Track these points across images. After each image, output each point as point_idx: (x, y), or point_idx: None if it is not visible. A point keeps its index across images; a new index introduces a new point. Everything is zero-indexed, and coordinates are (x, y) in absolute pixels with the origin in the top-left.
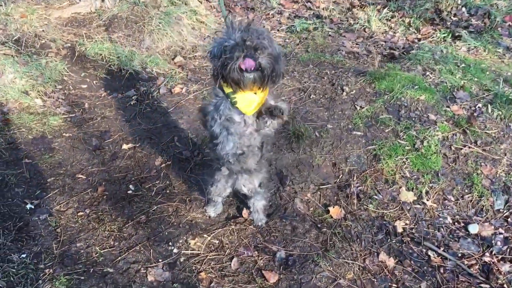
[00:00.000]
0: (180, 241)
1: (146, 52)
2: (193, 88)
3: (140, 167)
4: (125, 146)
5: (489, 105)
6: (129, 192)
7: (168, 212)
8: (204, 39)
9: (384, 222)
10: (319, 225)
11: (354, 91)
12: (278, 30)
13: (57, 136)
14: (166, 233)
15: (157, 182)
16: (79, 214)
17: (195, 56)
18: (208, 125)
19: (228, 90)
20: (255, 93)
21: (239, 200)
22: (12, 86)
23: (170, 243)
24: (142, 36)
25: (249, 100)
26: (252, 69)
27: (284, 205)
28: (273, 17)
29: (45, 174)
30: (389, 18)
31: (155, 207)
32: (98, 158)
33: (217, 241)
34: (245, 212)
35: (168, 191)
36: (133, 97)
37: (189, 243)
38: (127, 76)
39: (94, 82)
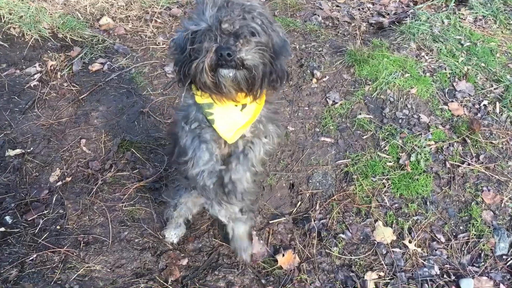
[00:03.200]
0: None
1: (61, 10)
2: (118, 64)
3: (26, 186)
4: (10, 152)
5: (497, 102)
6: (2, 229)
7: (53, 263)
8: None
9: (351, 274)
10: (263, 280)
11: (327, 77)
12: None
13: None
14: None
15: (45, 211)
16: None
17: (129, 16)
18: (179, 142)
19: (201, 99)
20: (242, 108)
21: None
22: None
23: None
24: None
25: (231, 121)
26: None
27: (218, 247)
28: None
29: None
30: None
31: (35, 255)
32: None
33: None
34: None
35: (58, 227)
36: (35, 76)
37: None
38: (32, 44)
39: None
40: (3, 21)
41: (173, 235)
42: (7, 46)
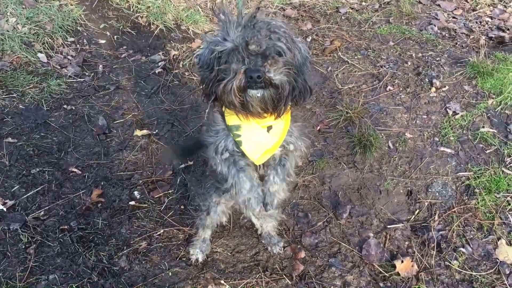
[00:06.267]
0: None
1: (184, 4)
2: None
3: (152, 166)
4: (138, 132)
5: None
6: (132, 202)
7: (178, 240)
8: None
9: None
10: (381, 284)
11: (446, 87)
12: None
13: (55, 108)
14: (170, 274)
15: (170, 191)
16: (61, 228)
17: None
18: (208, 164)
19: (230, 117)
20: (268, 130)
21: None
22: (11, 34)
23: None
24: None
25: (259, 143)
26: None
27: (335, 244)
28: None
29: (30, 161)
30: None
31: (162, 231)
32: (102, 145)
33: None
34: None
35: (182, 207)
36: (159, 63)
37: None
38: (157, 34)
39: (115, 37)
40: (131, 10)
41: (198, 252)
42: (134, 33)
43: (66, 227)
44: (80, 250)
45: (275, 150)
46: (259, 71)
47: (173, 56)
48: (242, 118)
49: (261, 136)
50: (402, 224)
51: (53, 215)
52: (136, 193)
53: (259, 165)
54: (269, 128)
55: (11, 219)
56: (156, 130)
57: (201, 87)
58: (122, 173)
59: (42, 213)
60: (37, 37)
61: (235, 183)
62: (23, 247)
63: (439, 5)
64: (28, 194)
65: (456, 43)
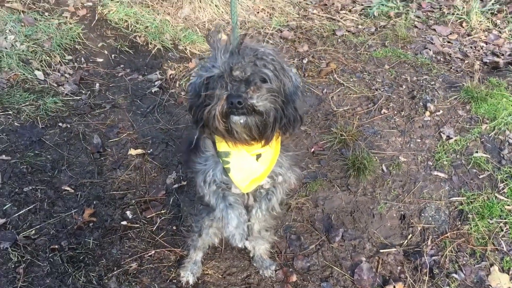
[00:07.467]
0: None
1: (182, 24)
2: None
3: (146, 185)
4: (132, 151)
5: None
6: (124, 222)
7: (169, 262)
8: (257, 13)
9: None
10: None
11: (441, 111)
12: (349, 11)
13: (51, 126)
14: None
15: (163, 211)
16: (52, 247)
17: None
18: (197, 189)
19: (221, 144)
20: (257, 158)
21: None
22: (9, 51)
23: None
24: (181, 2)
25: (247, 170)
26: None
27: (327, 268)
28: None
29: (23, 179)
30: (495, 13)
31: (153, 252)
32: (96, 164)
33: None
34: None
35: (174, 228)
36: (156, 82)
37: None
38: (154, 53)
39: (113, 56)
40: (130, 29)
41: (189, 274)
42: (132, 52)
43: (56, 246)
44: (70, 270)
45: (263, 179)
46: (240, 96)
47: (170, 75)
48: (231, 145)
49: (250, 164)
50: (395, 249)
51: (44, 234)
52: (128, 213)
53: (247, 195)
54: (258, 156)
55: (1, 237)
56: (151, 150)
57: (190, 114)
58: (115, 192)
59: (33, 232)
60: (35, 54)
61: (222, 217)
62: (13, 266)
63: (434, 30)
64: (20, 213)
65: (451, 68)
